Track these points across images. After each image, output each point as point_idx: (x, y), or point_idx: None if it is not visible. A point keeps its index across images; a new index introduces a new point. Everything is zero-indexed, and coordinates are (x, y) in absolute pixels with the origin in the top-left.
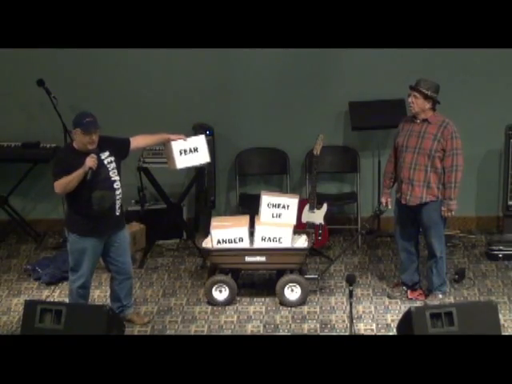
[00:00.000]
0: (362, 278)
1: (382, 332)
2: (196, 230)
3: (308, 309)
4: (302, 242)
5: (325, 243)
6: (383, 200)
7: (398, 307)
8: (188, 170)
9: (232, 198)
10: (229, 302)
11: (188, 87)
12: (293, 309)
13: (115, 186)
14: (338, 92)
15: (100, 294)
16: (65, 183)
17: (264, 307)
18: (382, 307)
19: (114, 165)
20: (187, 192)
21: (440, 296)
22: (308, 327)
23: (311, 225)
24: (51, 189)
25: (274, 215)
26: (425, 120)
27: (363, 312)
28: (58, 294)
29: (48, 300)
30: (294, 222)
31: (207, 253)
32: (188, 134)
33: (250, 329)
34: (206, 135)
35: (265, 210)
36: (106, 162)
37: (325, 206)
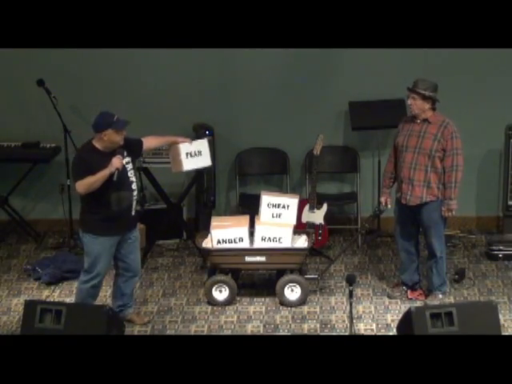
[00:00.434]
0: (362, 278)
1: (382, 332)
2: (196, 230)
3: (308, 309)
4: (302, 242)
5: (325, 243)
6: (383, 200)
7: (398, 307)
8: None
9: (232, 197)
10: (229, 302)
11: (188, 87)
12: (293, 309)
13: (133, 186)
14: (338, 92)
15: (100, 294)
16: (89, 183)
17: (264, 307)
18: (381, 307)
19: (131, 165)
20: (187, 192)
21: (440, 296)
22: (308, 327)
23: (311, 225)
24: (51, 189)
25: (274, 215)
26: (425, 120)
27: (363, 312)
28: (58, 294)
29: (48, 300)
30: (294, 221)
31: (207, 253)
32: (188, 134)
33: (250, 329)
34: (206, 135)
35: (265, 210)
36: (124, 162)
37: (325, 206)
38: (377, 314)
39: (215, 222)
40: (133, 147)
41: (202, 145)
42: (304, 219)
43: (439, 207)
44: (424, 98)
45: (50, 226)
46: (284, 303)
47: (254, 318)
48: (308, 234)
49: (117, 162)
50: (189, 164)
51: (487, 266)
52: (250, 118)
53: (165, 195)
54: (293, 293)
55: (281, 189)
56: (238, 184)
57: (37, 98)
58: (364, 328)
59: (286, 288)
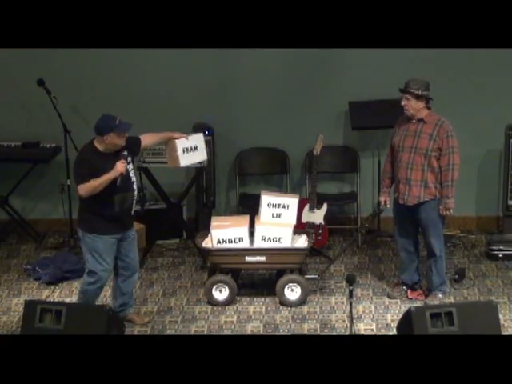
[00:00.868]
0: (362, 277)
1: (382, 332)
2: (196, 230)
3: (308, 309)
4: (302, 241)
5: (325, 243)
6: (382, 199)
7: (398, 307)
8: (188, 169)
9: (232, 197)
10: (229, 301)
11: (188, 87)
12: (293, 309)
13: (134, 186)
14: (338, 92)
15: (100, 294)
16: (92, 187)
17: (264, 307)
18: (382, 307)
19: (131, 165)
20: (187, 192)
21: (440, 296)
22: (308, 327)
23: (311, 225)
24: (51, 189)
25: (274, 215)
26: (420, 120)
27: (363, 312)
28: (58, 294)
29: (48, 300)
30: (293, 221)
31: (207, 253)
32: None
33: (250, 329)
34: (206, 135)
35: (265, 210)
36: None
37: (325, 206)
38: (377, 313)
39: (215, 221)
40: (132, 146)
41: (198, 139)
42: (304, 219)
43: (437, 206)
44: (417, 97)
45: (50, 226)
46: (284, 303)
47: (254, 317)
48: (308, 234)
49: (121, 166)
50: (185, 159)
51: (487, 266)
52: (249, 118)
53: (165, 195)
54: (293, 293)
55: (281, 189)
56: (238, 184)
57: (37, 98)
58: (364, 328)
59: (286, 288)
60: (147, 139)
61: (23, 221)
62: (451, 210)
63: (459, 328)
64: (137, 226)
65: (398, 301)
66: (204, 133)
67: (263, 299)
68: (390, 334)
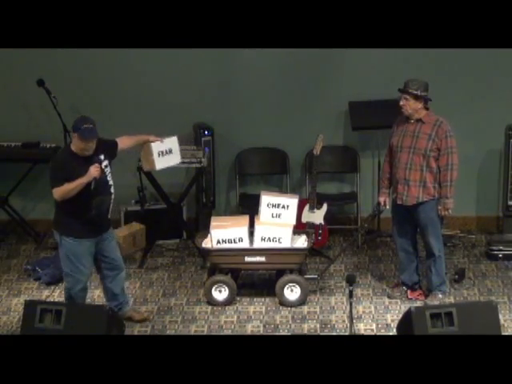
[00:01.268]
0: (362, 278)
1: (382, 332)
2: (196, 230)
3: (308, 309)
4: (302, 242)
5: (325, 243)
6: (381, 200)
7: (398, 307)
8: (188, 169)
9: (232, 197)
10: (228, 302)
11: (188, 87)
12: (293, 309)
13: (111, 190)
14: (338, 92)
15: (100, 294)
16: (66, 191)
17: (264, 307)
18: (381, 307)
19: (109, 169)
20: (187, 192)
21: (440, 296)
22: (308, 327)
23: (311, 225)
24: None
25: (274, 215)
26: (419, 120)
27: (363, 312)
28: (58, 294)
29: (48, 300)
30: (293, 222)
31: (207, 253)
32: (188, 134)
33: (249, 329)
34: (205, 135)
35: (264, 210)
36: (103, 165)
37: (325, 206)
38: (377, 314)
39: (215, 222)
40: (109, 149)
41: (173, 143)
42: (304, 219)
43: (436, 206)
44: (416, 97)
45: (50, 226)
46: (284, 303)
47: (253, 318)
48: (308, 234)
49: (94, 171)
50: (161, 163)
51: (487, 266)
52: (249, 118)
53: (165, 195)
54: (292, 293)
55: (281, 189)
56: (238, 184)
57: (37, 98)
58: (364, 328)
59: (286, 288)
60: (123, 142)
61: (23, 221)
62: (450, 211)
63: (459, 328)
64: (137, 226)
65: (398, 301)
66: (204, 133)
67: (263, 299)
68: (390, 334)
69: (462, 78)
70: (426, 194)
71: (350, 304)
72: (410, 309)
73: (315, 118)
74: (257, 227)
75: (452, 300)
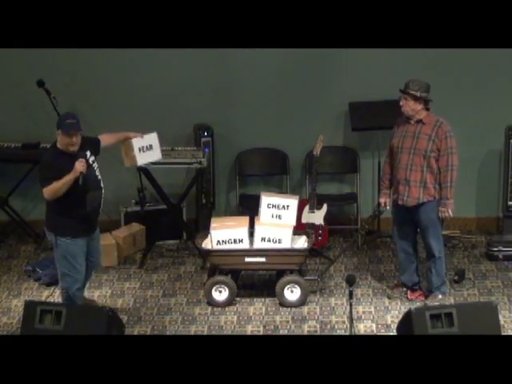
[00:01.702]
0: (362, 278)
1: (382, 332)
2: (196, 231)
3: (308, 309)
4: (302, 242)
5: (325, 244)
6: (382, 201)
7: (398, 308)
8: (188, 170)
9: (232, 198)
10: (228, 302)
11: (188, 88)
12: (293, 309)
13: (101, 184)
14: (338, 92)
15: (100, 294)
16: (55, 189)
17: (264, 308)
18: (381, 308)
19: (96, 164)
20: (187, 193)
21: (440, 297)
22: (308, 328)
23: (311, 225)
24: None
25: (274, 216)
26: (419, 121)
27: (363, 313)
28: (58, 295)
29: (48, 301)
30: (293, 222)
31: (207, 253)
32: (188, 134)
33: (249, 329)
34: (205, 135)
35: (264, 211)
36: (90, 161)
37: (325, 207)
38: (377, 314)
39: (215, 222)
40: (92, 146)
41: (152, 139)
42: (304, 220)
43: (436, 207)
44: (416, 98)
45: None
46: (284, 304)
47: (253, 318)
48: (308, 235)
49: (80, 166)
50: (142, 159)
51: (487, 267)
52: (249, 118)
53: (165, 196)
54: (292, 293)
55: (281, 189)
56: (238, 184)
57: (37, 98)
58: (364, 328)
59: (286, 289)
60: (105, 140)
61: (23, 222)
62: (450, 211)
63: (459, 329)
64: (137, 226)
65: (398, 301)
66: (204, 134)
67: (263, 300)
68: (390, 334)
69: (462, 78)
70: (426, 195)
71: (350, 305)
72: (409, 309)
73: (315, 119)
74: (257, 228)
75: (452, 300)
